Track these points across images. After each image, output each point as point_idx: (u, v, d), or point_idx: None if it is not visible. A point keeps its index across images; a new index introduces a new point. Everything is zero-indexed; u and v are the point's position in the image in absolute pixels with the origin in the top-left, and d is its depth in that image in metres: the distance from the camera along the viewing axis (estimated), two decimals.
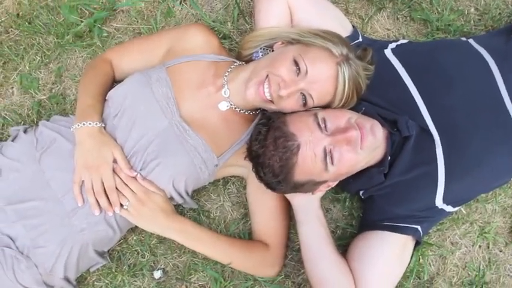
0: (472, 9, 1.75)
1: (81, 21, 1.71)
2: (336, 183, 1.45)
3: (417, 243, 1.49)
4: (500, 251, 1.68)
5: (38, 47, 1.74)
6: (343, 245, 1.62)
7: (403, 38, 1.72)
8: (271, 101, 1.34)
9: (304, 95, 1.32)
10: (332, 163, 1.29)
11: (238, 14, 1.74)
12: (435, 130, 1.40)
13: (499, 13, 1.74)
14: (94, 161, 1.39)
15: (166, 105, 1.44)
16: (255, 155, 1.34)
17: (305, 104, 1.34)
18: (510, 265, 1.67)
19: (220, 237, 1.54)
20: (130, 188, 1.41)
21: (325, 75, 1.31)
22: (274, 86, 1.31)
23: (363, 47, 1.47)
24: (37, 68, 1.74)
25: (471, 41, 1.55)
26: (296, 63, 1.31)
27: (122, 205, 1.42)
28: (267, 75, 1.33)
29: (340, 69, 1.31)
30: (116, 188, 1.41)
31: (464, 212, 1.67)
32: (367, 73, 1.40)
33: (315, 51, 1.34)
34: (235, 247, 1.53)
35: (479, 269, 1.66)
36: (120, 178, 1.41)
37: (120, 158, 1.41)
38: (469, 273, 1.66)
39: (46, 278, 1.45)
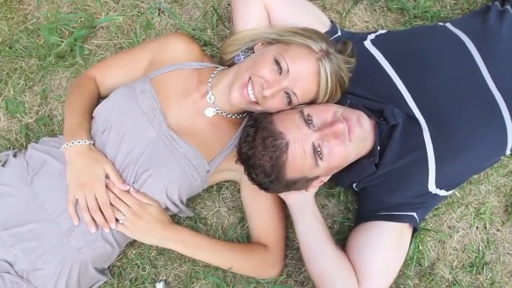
0: None
1: (62, 41, 1.72)
2: (328, 177, 1.46)
3: (414, 230, 1.49)
4: (498, 231, 1.69)
5: (21, 70, 1.75)
6: (342, 239, 1.62)
7: (382, 29, 1.73)
8: (256, 102, 1.35)
9: (288, 93, 1.33)
10: (321, 158, 1.29)
11: (217, 20, 1.75)
12: (421, 116, 1.41)
13: None
14: (87, 179, 1.40)
15: (153, 116, 1.45)
16: (245, 157, 1.35)
17: (290, 102, 1.35)
18: (508, 243, 1.68)
19: (219, 242, 1.54)
20: (124, 202, 1.41)
21: (307, 72, 1.32)
22: (257, 87, 1.32)
23: (342, 41, 1.49)
24: (21, 92, 1.74)
25: (448, 25, 1.56)
26: (277, 63, 1.32)
27: (117, 220, 1.42)
28: (250, 77, 1.33)
29: (322, 65, 1.32)
30: (110, 203, 1.41)
31: (458, 195, 1.68)
32: (349, 66, 1.41)
33: (295, 49, 1.35)
34: (235, 251, 1.53)
35: (479, 250, 1.66)
36: (114, 193, 1.41)
37: (112, 173, 1.41)
38: (469, 255, 1.66)
39: None
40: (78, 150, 1.41)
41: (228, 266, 1.51)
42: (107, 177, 1.41)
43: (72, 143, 1.41)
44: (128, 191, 1.42)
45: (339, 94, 1.41)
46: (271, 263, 1.54)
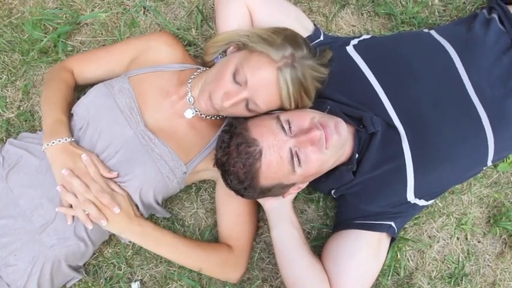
0: (436, 0, 1.74)
1: (45, 37, 1.71)
2: (305, 185, 1.44)
3: (393, 240, 1.48)
4: (479, 242, 1.66)
5: (4, 65, 1.74)
6: (320, 245, 1.60)
7: (367, 34, 1.71)
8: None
9: (249, 102, 1.33)
10: (299, 164, 1.28)
11: (201, 20, 1.73)
12: (400, 124, 1.39)
13: (463, 2, 1.73)
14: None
15: (130, 116, 1.44)
16: (220, 163, 1.34)
17: (251, 110, 1.34)
18: (489, 255, 1.66)
19: (182, 239, 1.51)
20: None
21: (265, 81, 1.30)
22: (216, 100, 1.33)
23: (323, 49, 1.46)
24: (3, 86, 1.74)
25: (433, 32, 1.53)
26: (238, 73, 1.31)
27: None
28: (209, 94, 1.34)
29: (281, 74, 1.29)
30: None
31: (440, 204, 1.66)
32: (318, 74, 1.38)
33: (256, 58, 1.32)
34: (198, 248, 1.51)
35: (459, 261, 1.64)
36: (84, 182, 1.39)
37: (97, 162, 1.40)
38: (449, 266, 1.65)
39: None
40: (60, 148, 1.40)
41: (192, 264, 1.50)
42: None
43: (53, 142, 1.40)
44: (113, 180, 1.40)
45: (306, 102, 1.38)
46: (234, 265, 1.53)
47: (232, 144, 1.29)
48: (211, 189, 1.67)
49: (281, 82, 1.30)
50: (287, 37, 1.35)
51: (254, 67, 1.30)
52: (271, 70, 1.30)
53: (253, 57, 1.33)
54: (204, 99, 1.36)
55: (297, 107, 1.36)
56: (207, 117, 1.49)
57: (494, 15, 1.51)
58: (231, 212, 1.53)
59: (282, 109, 1.38)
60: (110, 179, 1.41)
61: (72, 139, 1.43)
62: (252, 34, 1.39)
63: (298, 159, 1.27)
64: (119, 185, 1.41)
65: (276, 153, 1.26)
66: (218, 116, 1.51)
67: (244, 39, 1.39)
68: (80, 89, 1.64)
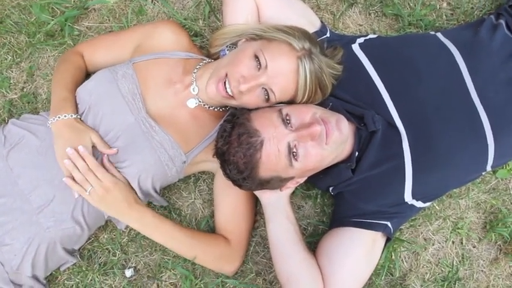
0: (444, 4, 1.74)
1: (52, 20, 1.71)
2: (304, 179, 1.44)
3: (388, 240, 1.48)
4: (474, 247, 1.67)
5: (10, 46, 1.75)
6: (315, 241, 1.60)
7: (374, 34, 1.71)
8: (233, 97, 1.34)
9: (266, 90, 1.32)
10: (296, 159, 1.28)
11: (209, 12, 1.74)
12: (401, 125, 1.39)
13: (471, 7, 1.73)
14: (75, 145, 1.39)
15: (133, 102, 1.44)
16: (220, 152, 1.34)
17: (268, 100, 1.34)
18: (483, 261, 1.66)
19: (181, 228, 1.52)
20: (95, 175, 1.39)
21: (285, 69, 1.31)
22: (234, 83, 1.31)
23: (334, 46, 1.47)
24: (8, 67, 1.74)
25: (439, 34, 1.54)
26: (256, 58, 1.30)
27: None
28: (226, 74, 1.32)
29: (301, 64, 1.30)
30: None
31: (437, 207, 1.66)
32: (333, 72, 1.40)
33: (276, 45, 1.33)
34: (195, 239, 1.51)
35: (453, 265, 1.64)
36: (87, 164, 1.39)
37: (98, 141, 1.41)
38: (442, 269, 1.65)
39: (13, 277, 1.44)
40: (65, 123, 1.41)
41: (187, 253, 1.51)
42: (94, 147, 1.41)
43: (59, 117, 1.41)
44: (112, 165, 1.41)
45: (319, 96, 1.39)
46: (230, 257, 1.53)
47: (233, 134, 1.29)
48: (209, 180, 1.68)
49: (300, 72, 1.31)
50: (303, 32, 1.37)
51: (275, 53, 1.31)
52: (292, 59, 1.31)
53: (274, 44, 1.33)
54: (215, 83, 1.34)
55: (307, 101, 1.37)
56: (210, 108, 1.50)
57: (502, 21, 1.51)
58: (229, 204, 1.54)
59: (290, 102, 1.38)
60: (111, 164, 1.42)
61: (78, 115, 1.44)
62: (267, 27, 1.40)
63: (297, 154, 1.27)
64: (118, 171, 1.42)
65: (275, 145, 1.26)
66: (221, 107, 1.51)
67: (258, 31, 1.40)
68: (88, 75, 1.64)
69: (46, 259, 1.47)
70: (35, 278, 1.49)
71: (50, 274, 1.58)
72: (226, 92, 1.33)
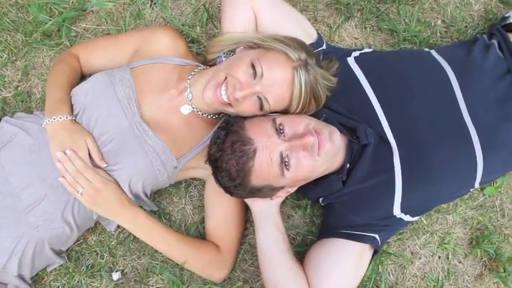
0: (439, 22, 1.77)
1: (50, 20, 1.71)
2: (294, 189, 1.45)
3: (375, 252, 1.49)
4: (460, 262, 1.68)
5: (6, 44, 1.74)
6: (303, 251, 1.61)
7: (369, 47, 1.73)
8: (229, 104, 1.35)
9: (260, 98, 1.33)
10: (288, 169, 1.29)
11: (207, 19, 1.75)
12: (393, 139, 1.41)
13: (465, 26, 1.76)
14: (70, 148, 1.40)
15: (128, 106, 1.45)
16: (213, 159, 1.34)
17: (262, 108, 1.35)
18: (468, 276, 1.67)
19: (173, 232, 1.52)
20: (85, 177, 1.40)
21: (281, 79, 1.32)
22: (230, 89, 1.32)
23: (329, 58, 1.48)
24: (3, 65, 1.74)
25: (433, 51, 1.56)
26: (253, 66, 1.32)
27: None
28: (226, 77, 1.33)
29: (297, 74, 1.32)
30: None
31: (425, 222, 1.68)
32: (328, 83, 1.41)
33: (273, 55, 1.35)
34: (186, 244, 1.51)
35: (438, 279, 1.66)
36: (76, 167, 1.40)
37: (92, 146, 1.41)
38: (428, 283, 1.66)
39: None
40: (61, 125, 1.42)
41: (178, 258, 1.51)
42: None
43: (54, 118, 1.41)
44: (103, 169, 1.42)
45: (313, 107, 1.40)
46: (219, 265, 1.53)
47: (227, 141, 1.30)
48: (201, 186, 1.68)
49: (296, 82, 1.32)
50: (299, 43, 1.39)
51: (271, 63, 1.32)
52: (288, 69, 1.32)
53: (271, 54, 1.35)
54: (213, 88, 1.35)
55: (301, 111, 1.38)
56: (203, 115, 1.50)
57: (494, 42, 1.54)
58: (219, 211, 1.54)
59: (284, 112, 1.39)
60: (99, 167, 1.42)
61: (73, 117, 1.44)
62: (265, 36, 1.42)
63: (288, 164, 1.28)
64: (108, 173, 1.42)
65: (267, 154, 1.27)
66: (214, 115, 1.52)
67: (256, 40, 1.42)
68: (82, 77, 1.64)
69: (33, 259, 1.46)
70: (20, 277, 1.48)
71: (36, 274, 1.58)
72: (222, 98, 1.34)
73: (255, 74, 1.32)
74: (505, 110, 1.44)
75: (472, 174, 1.45)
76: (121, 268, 1.64)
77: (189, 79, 1.49)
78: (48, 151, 1.42)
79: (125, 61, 1.59)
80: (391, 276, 1.66)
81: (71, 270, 1.60)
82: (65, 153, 1.39)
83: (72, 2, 1.76)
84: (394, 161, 1.40)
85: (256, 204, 1.48)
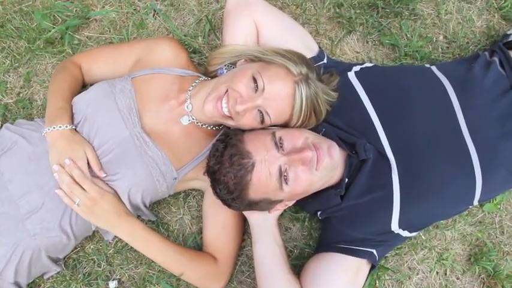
0: (441, 37, 1.77)
1: (53, 28, 1.72)
2: (292, 202, 1.45)
3: (373, 267, 1.49)
4: (457, 279, 1.68)
5: (9, 50, 1.75)
6: (300, 264, 1.61)
7: (370, 62, 1.74)
8: (230, 117, 1.35)
9: (261, 112, 1.33)
10: (286, 183, 1.29)
11: (209, 30, 1.76)
12: (392, 155, 1.41)
13: (467, 42, 1.77)
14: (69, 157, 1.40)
15: (128, 116, 1.45)
16: (211, 171, 1.35)
17: (262, 122, 1.35)
18: None
19: (170, 243, 1.52)
20: (81, 187, 1.40)
21: (282, 93, 1.32)
22: (232, 102, 1.33)
23: (330, 73, 1.49)
24: (6, 72, 1.75)
25: (434, 68, 1.56)
26: (254, 80, 1.32)
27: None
28: (227, 90, 1.34)
29: (298, 88, 1.32)
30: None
31: (423, 237, 1.68)
32: (328, 98, 1.41)
33: (274, 69, 1.35)
34: (184, 255, 1.51)
35: None
36: (72, 177, 1.40)
37: (92, 156, 1.41)
38: None
39: None
40: (61, 134, 1.42)
41: (175, 269, 1.51)
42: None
43: (54, 127, 1.42)
44: (101, 179, 1.43)
45: (313, 121, 1.40)
46: (217, 277, 1.53)
47: (226, 154, 1.30)
48: (199, 196, 1.68)
49: (297, 96, 1.32)
50: (301, 57, 1.39)
51: (272, 76, 1.32)
52: (289, 83, 1.33)
53: (272, 68, 1.35)
54: (214, 101, 1.35)
55: (301, 125, 1.38)
56: (203, 126, 1.51)
57: (496, 59, 1.54)
58: (217, 222, 1.54)
59: (284, 125, 1.40)
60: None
61: (73, 126, 1.45)
62: (266, 50, 1.42)
63: (286, 178, 1.28)
64: (106, 184, 1.42)
65: (266, 168, 1.27)
66: (214, 126, 1.52)
67: (257, 53, 1.42)
68: (84, 86, 1.65)
69: (30, 266, 1.46)
70: (17, 284, 1.48)
71: (33, 281, 1.58)
72: (223, 111, 1.34)
73: (256, 88, 1.32)
74: (505, 127, 1.43)
75: (470, 192, 1.44)
76: (118, 277, 1.64)
77: (189, 90, 1.50)
78: (47, 160, 1.42)
79: (126, 70, 1.59)
80: None
81: (67, 278, 1.60)
82: (62, 165, 1.39)
83: (76, 10, 1.77)
84: (393, 176, 1.40)
85: (254, 217, 1.48)
